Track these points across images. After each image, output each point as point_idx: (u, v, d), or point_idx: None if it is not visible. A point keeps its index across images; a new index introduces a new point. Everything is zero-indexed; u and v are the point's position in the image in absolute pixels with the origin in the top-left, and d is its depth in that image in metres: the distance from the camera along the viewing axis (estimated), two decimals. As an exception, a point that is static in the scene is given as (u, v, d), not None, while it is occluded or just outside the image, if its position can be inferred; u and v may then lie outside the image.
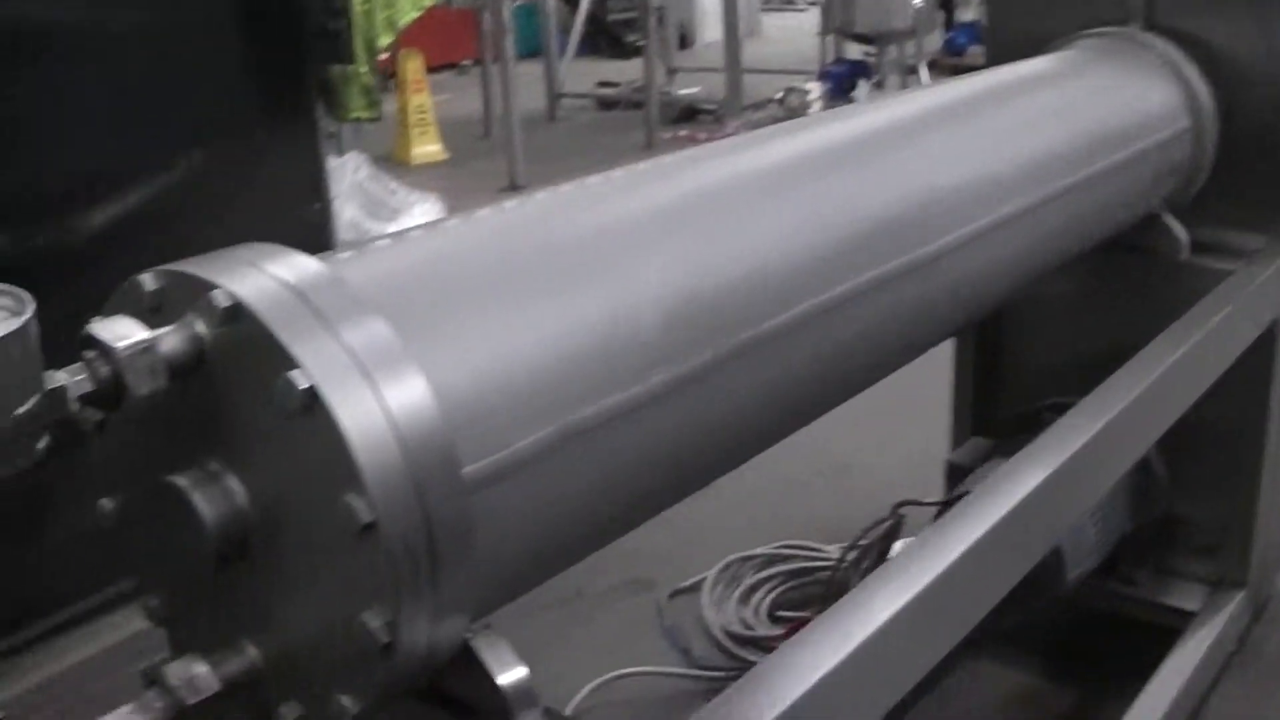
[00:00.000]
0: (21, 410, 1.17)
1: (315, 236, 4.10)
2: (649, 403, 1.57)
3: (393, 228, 7.37)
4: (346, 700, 1.35)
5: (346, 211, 6.88)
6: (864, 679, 1.70)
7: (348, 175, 7.36)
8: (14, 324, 1.17)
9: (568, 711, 3.38)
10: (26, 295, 1.21)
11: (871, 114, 2.48)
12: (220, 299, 1.30)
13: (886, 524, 3.59)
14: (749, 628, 3.85)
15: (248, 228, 3.50)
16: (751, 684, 1.59)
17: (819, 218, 1.91)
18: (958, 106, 2.52)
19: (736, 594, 3.99)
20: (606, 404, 1.52)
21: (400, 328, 1.35)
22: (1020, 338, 3.56)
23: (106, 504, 1.54)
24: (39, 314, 1.21)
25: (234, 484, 1.36)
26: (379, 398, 1.28)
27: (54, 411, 1.22)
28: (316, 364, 1.26)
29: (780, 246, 1.82)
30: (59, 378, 1.24)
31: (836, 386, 2.00)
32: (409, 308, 1.42)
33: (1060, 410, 3.19)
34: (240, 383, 1.32)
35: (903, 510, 3.57)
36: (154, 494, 1.39)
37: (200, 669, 1.37)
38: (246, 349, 1.30)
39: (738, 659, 3.72)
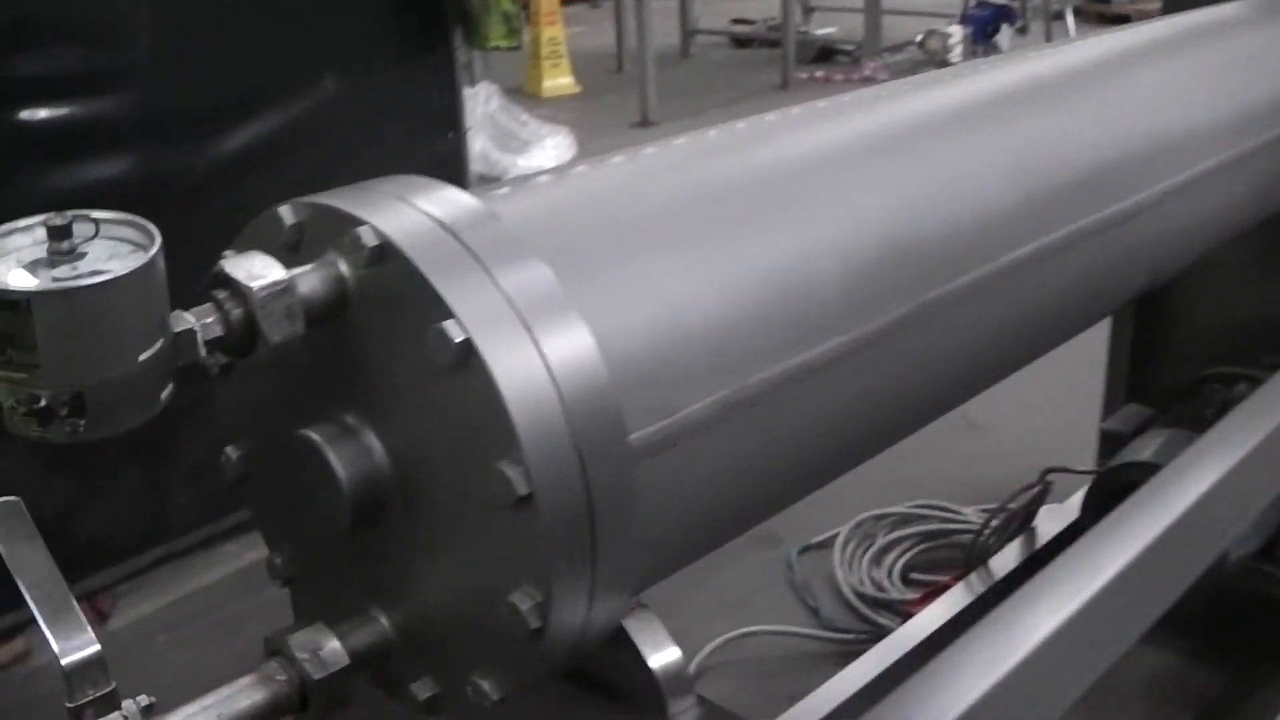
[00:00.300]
0: (145, 355, 1.05)
1: (450, 168, 3.98)
2: (826, 367, 1.42)
3: (523, 160, 7.30)
4: (487, 685, 1.22)
5: (477, 143, 6.78)
6: (1035, 685, 1.54)
7: (479, 106, 7.25)
8: (139, 259, 1.04)
9: (691, 668, 3.27)
10: (153, 228, 1.08)
11: (1053, 59, 2.29)
12: (366, 237, 1.16)
13: (1033, 490, 3.43)
14: (881, 589, 3.71)
15: (381, 156, 3.40)
16: (917, 689, 1.44)
17: (1009, 169, 1.74)
18: (1144, 54, 2.32)
19: (869, 553, 3.85)
20: (782, 368, 1.37)
21: (560, 275, 1.21)
22: (1185, 302, 3.35)
23: (232, 453, 1.43)
24: (165, 247, 1.09)
25: (373, 441, 1.23)
26: (540, 353, 1.14)
27: (181, 356, 1.10)
28: (472, 313, 1.12)
29: (969, 199, 1.66)
30: (186, 319, 1.11)
31: (1020, 349, 1.84)
32: (569, 253, 1.28)
33: (1226, 380, 3.00)
34: (385, 330, 1.19)
35: (1050, 477, 3.40)
36: (284, 446, 1.26)
37: (329, 641, 1.25)
38: (394, 293, 1.16)
39: (869, 621, 3.58)
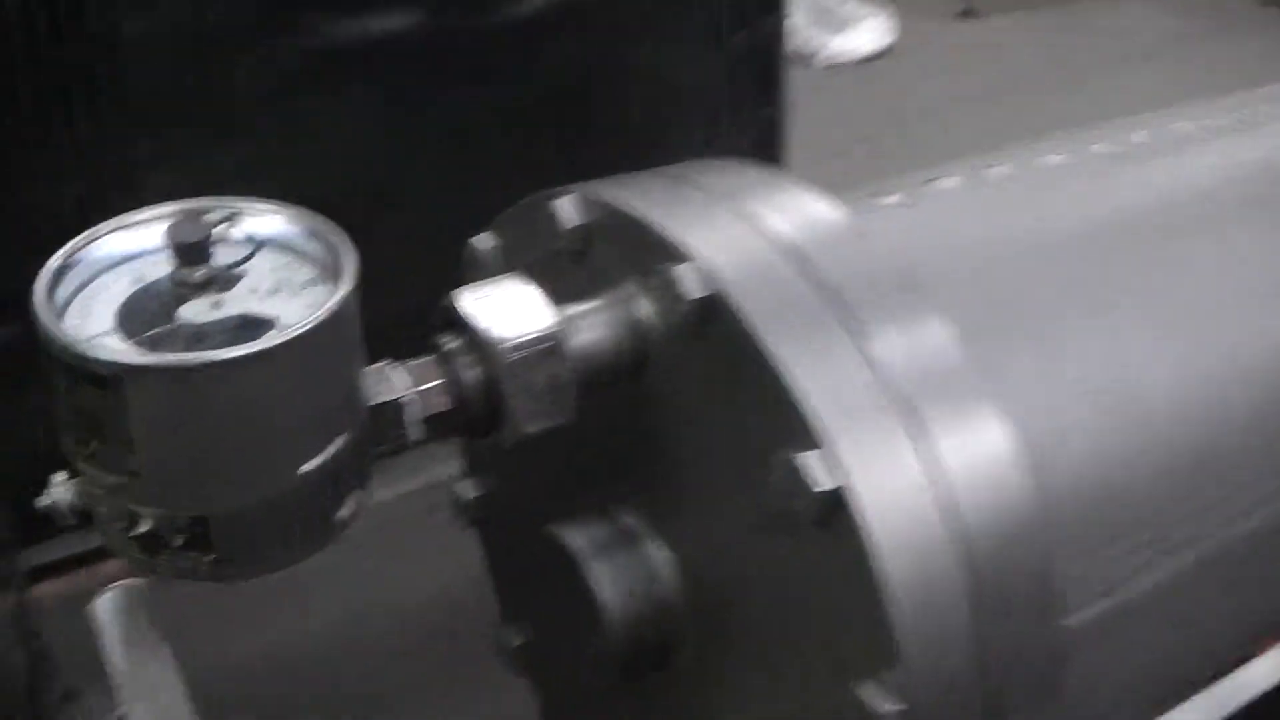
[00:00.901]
0: (313, 463, 0.63)
1: (765, 57, 3.52)
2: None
3: (838, 41, 6.81)
4: None
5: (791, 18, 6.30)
6: None
7: (796, -22, 6.77)
8: (317, 307, 0.61)
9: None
10: (346, 243, 0.65)
11: None
12: (688, 282, 0.72)
13: None
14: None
15: (686, 44, 2.97)
16: None
17: None
18: None
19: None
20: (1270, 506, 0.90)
21: (968, 348, 0.76)
22: None
23: (468, 490, 1.04)
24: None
25: (660, 556, 0.82)
26: (943, 500, 0.70)
27: (378, 442, 0.69)
28: (843, 432, 0.68)
29: None
30: (391, 385, 0.70)
31: None
32: (977, 314, 0.83)
33: None
34: (699, 413, 0.77)
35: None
36: (534, 524, 0.87)
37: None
38: (719, 366, 0.73)
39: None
